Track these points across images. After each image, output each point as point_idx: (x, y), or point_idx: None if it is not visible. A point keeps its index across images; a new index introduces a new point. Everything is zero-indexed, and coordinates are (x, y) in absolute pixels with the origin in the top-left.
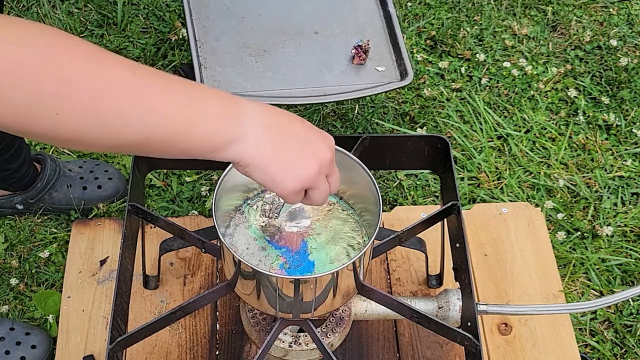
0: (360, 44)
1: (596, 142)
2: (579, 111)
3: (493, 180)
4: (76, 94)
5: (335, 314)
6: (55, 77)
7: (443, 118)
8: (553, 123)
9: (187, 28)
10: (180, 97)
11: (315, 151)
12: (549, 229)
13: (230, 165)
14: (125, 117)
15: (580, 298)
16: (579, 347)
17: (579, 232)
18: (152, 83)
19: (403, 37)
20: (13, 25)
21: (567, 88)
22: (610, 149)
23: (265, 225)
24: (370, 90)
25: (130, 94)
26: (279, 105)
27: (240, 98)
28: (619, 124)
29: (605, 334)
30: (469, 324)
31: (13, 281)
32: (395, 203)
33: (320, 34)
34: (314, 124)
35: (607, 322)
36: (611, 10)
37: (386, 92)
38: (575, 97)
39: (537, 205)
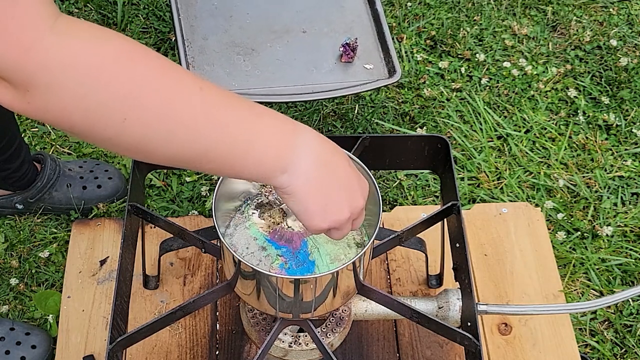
0: (348, 41)
1: (596, 142)
2: (579, 111)
3: (493, 180)
4: (145, 100)
5: (335, 314)
6: (127, 80)
7: (443, 118)
8: (553, 123)
9: (174, 27)
10: (242, 117)
11: (351, 198)
12: (549, 229)
13: None
14: (190, 130)
15: (580, 298)
16: (579, 347)
17: (579, 232)
18: (218, 100)
19: (391, 35)
20: (88, 26)
21: (567, 88)
22: (610, 149)
23: (265, 225)
24: (359, 88)
25: (196, 108)
26: (268, 104)
27: (298, 124)
28: (619, 124)
29: (605, 334)
30: (469, 324)
31: (13, 281)
32: (395, 203)
33: (309, 33)
34: (313, 125)
35: (607, 322)
36: (611, 10)
37: (374, 89)
38: (575, 97)
39: (537, 205)
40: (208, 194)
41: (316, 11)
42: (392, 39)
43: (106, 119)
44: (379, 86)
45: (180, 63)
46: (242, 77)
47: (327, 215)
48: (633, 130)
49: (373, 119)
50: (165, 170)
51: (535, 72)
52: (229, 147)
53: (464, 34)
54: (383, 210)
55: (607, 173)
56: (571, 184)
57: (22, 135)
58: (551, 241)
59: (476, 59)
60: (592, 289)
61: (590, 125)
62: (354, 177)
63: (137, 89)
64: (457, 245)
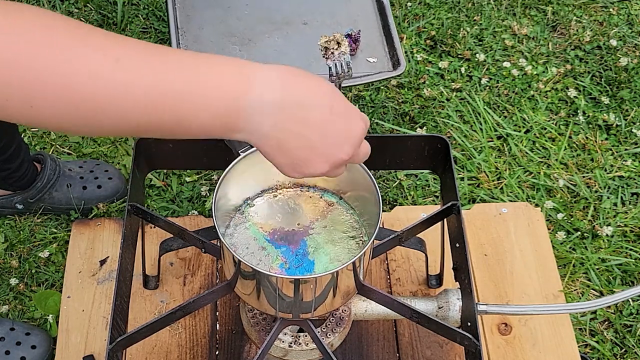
0: (349, 32)
1: (596, 142)
2: (579, 111)
3: (493, 180)
4: (51, 86)
5: (335, 314)
6: (31, 66)
7: (443, 118)
8: (553, 123)
9: (167, 15)
10: (180, 78)
11: (330, 153)
12: (549, 229)
13: (231, 165)
14: (113, 116)
15: (580, 298)
16: (579, 347)
17: (579, 232)
18: (140, 69)
19: (396, 29)
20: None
21: (567, 88)
22: (610, 149)
23: (265, 225)
24: (359, 80)
25: (115, 90)
26: None
27: (248, 64)
28: (619, 124)
29: (605, 334)
30: (469, 324)
31: (13, 281)
32: (395, 203)
33: (310, 25)
34: None
35: (607, 322)
36: (611, 10)
37: (376, 81)
38: (575, 97)
39: (537, 205)
40: (208, 194)
41: (319, 3)
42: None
43: (15, 103)
44: (382, 78)
45: None
46: None
47: (298, 171)
48: (633, 130)
49: (373, 119)
50: (165, 170)
51: (535, 72)
52: (173, 115)
53: (464, 34)
54: (383, 210)
55: (607, 173)
56: (571, 184)
57: (22, 136)
58: (551, 241)
59: (476, 59)
60: (592, 289)
61: (590, 125)
62: (336, 125)
63: (42, 75)
64: (457, 245)
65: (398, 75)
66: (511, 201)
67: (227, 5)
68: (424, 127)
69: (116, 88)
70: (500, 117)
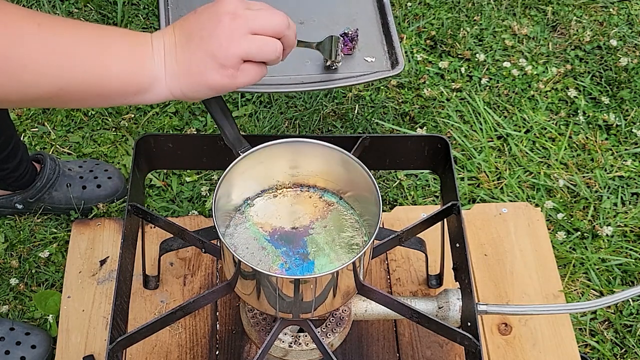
0: (346, 31)
1: (596, 142)
2: (579, 111)
3: (493, 180)
4: None
5: (335, 314)
6: None
7: (443, 118)
8: (553, 123)
9: (159, 16)
10: (87, 46)
11: (213, 62)
12: (549, 229)
13: (231, 165)
14: (33, 72)
15: (580, 298)
16: (579, 347)
17: (579, 232)
18: (59, 34)
19: (397, 28)
20: None
21: (567, 88)
22: (610, 149)
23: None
24: (357, 80)
25: (35, 49)
26: (258, 94)
27: (149, 33)
28: (619, 124)
29: (605, 334)
30: (469, 324)
31: (13, 281)
32: (395, 203)
33: (306, 24)
34: (313, 125)
35: (607, 322)
36: (611, 10)
37: (374, 81)
38: (575, 97)
39: (537, 205)
40: (208, 194)
41: (318, 2)
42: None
43: None
44: (379, 78)
45: None
46: None
47: (205, 87)
48: (633, 130)
49: (373, 119)
50: (165, 170)
51: (535, 72)
52: (82, 79)
53: (464, 34)
54: (383, 210)
55: (607, 173)
56: (571, 184)
57: (22, 136)
58: (551, 241)
59: (476, 59)
60: (592, 289)
61: (590, 125)
62: (215, 27)
63: None
64: (457, 245)
65: (397, 75)
66: (511, 201)
67: None
68: (424, 127)
69: (38, 46)
70: (500, 117)
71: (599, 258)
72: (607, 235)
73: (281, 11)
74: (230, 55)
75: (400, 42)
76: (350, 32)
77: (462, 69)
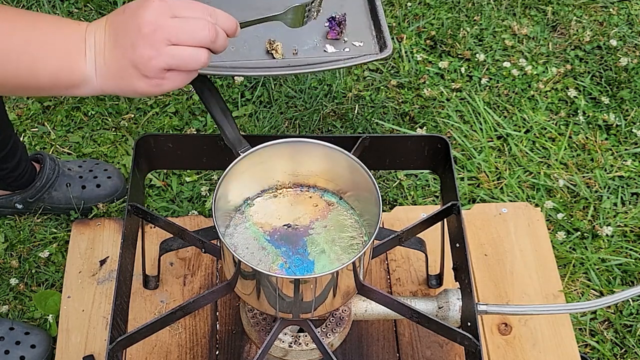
0: (334, 15)
1: (596, 142)
2: (579, 111)
3: (493, 180)
4: None
5: (335, 314)
6: None
7: (443, 118)
8: (553, 123)
9: None
10: (23, 36)
11: (137, 72)
12: (549, 229)
13: (231, 165)
14: None
15: (580, 298)
16: (579, 347)
17: (579, 232)
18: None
19: (397, 27)
20: None
21: (567, 88)
22: (610, 149)
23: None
24: (343, 62)
25: None
26: (245, 78)
27: (84, 25)
28: (619, 124)
29: (605, 334)
30: (469, 324)
31: (13, 281)
32: (395, 203)
33: None
34: (313, 124)
35: (607, 322)
36: (611, 10)
37: (362, 64)
38: (575, 97)
39: (537, 205)
40: (208, 194)
41: None
42: (390, 28)
43: None
44: (368, 61)
45: None
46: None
47: (130, 90)
48: (633, 130)
49: (373, 119)
50: (165, 170)
51: (535, 72)
52: (15, 68)
53: (464, 34)
54: (383, 210)
55: (607, 173)
56: (571, 184)
57: (22, 136)
58: (551, 241)
59: (476, 59)
60: (592, 289)
61: (590, 125)
62: (129, 17)
63: None
64: (457, 245)
65: (385, 58)
66: (511, 201)
67: None
68: (424, 127)
69: None
70: (500, 117)
71: (599, 258)
72: (607, 235)
73: (217, 10)
74: (152, 67)
75: (400, 42)
76: (338, 17)
77: (462, 69)
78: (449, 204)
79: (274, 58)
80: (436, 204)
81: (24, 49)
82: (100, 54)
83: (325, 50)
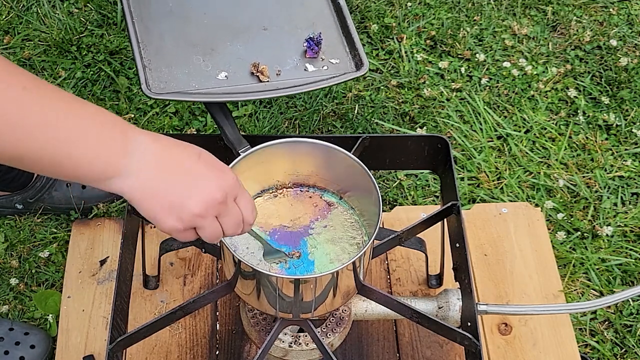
0: (312, 36)
1: (596, 142)
2: (579, 111)
3: (493, 180)
4: None
5: (335, 314)
6: None
7: (443, 118)
8: (553, 123)
9: (127, 29)
10: (67, 120)
11: (201, 192)
12: (549, 229)
13: (231, 165)
14: (6, 131)
15: (580, 298)
16: (579, 347)
17: (579, 232)
18: (42, 103)
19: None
20: None
21: (567, 88)
22: (610, 149)
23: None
24: (325, 82)
25: (13, 111)
26: (233, 103)
27: (132, 127)
28: (619, 124)
29: (605, 334)
30: (469, 324)
31: (13, 281)
32: (395, 203)
33: (270, 30)
34: (313, 125)
35: (607, 322)
36: (611, 10)
37: (342, 83)
38: (575, 97)
39: (537, 205)
40: None
41: (276, 8)
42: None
43: None
44: (346, 79)
45: (136, 66)
46: (202, 77)
47: (175, 214)
48: (633, 130)
49: (373, 119)
50: None
51: (535, 72)
52: (52, 151)
53: (464, 34)
54: (383, 210)
55: (607, 173)
56: (571, 184)
57: None
58: (551, 241)
59: (476, 59)
60: (592, 289)
61: (590, 125)
62: (205, 170)
63: None
64: (457, 245)
65: (362, 76)
66: (511, 201)
67: (185, 15)
68: (424, 127)
69: (17, 108)
70: (500, 117)
71: (599, 258)
72: (607, 235)
73: (253, 212)
74: (188, 219)
75: (400, 42)
76: (315, 37)
77: (462, 69)
78: (449, 204)
79: (261, 81)
80: (436, 204)
81: (63, 140)
82: (144, 179)
83: (306, 70)
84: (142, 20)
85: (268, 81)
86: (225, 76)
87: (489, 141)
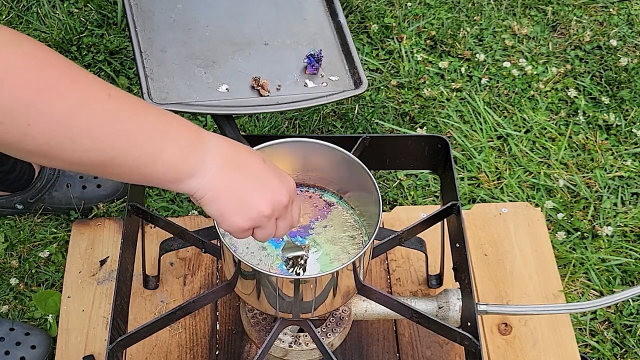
0: (312, 53)
1: (596, 142)
2: (579, 111)
3: (493, 180)
4: (51, 107)
5: (335, 314)
6: (33, 87)
7: (443, 118)
8: (553, 123)
9: (131, 39)
10: (149, 124)
11: (270, 193)
12: (549, 229)
13: None
14: (95, 137)
15: (580, 298)
16: (579, 347)
17: (579, 232)
18: (126, 107)
19: (356, 48)
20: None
21: (567, 88)
22: (610, 149)
23: None
24: (325, 99)
25: (102, 115)
26: (234, 116)
27: (204, 130)
28: (619, 124)
29: (605, 334)
30: (469, 324)
31: (13, 281)
32: (395, 203)
33: (271, 45)
34: (313, 125)
35: (607, 322)
36: (611, 10)
37: (340, 100)
38: (575, 97)
39: (537, 205)
40: None
41: (278, 24)
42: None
43: (8, 124)
44: (345, 97)
45: (138, 75)
46: (204, 90)
47: (243, 212)
48: (633, 130)
49: (373, 119)
50: None
51: (535, 72)
52: (136, 154)
53: (464, 34)
54: (383, 210)
55: (607, 173)
56: (571, 184)
57: None
58: (551, 241)
59: (476, 59)
60: (592, 289)
61: (590, 125)
62: (271, 174)
63: (43, 97)
64: (457, 245)
65: (361, 94)
66: (511, 201)
67: (188, 27)
68: (424, 127)
69: (105, 114)
70: (500, 117)
71: (599, 258)
72: (607, 235)
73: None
74: (255, 219)
75: (400, 42)
76: (316, 53)
77: (462, 69)
78: (449, 204)
79: (261, 95)
80: (436, 204)
81: (146, 138)
82: (215, 169)
83: (305, 85)
84: (145, 30)
85: (268, 95)
86: (227, 89)
87: (489, 141)
